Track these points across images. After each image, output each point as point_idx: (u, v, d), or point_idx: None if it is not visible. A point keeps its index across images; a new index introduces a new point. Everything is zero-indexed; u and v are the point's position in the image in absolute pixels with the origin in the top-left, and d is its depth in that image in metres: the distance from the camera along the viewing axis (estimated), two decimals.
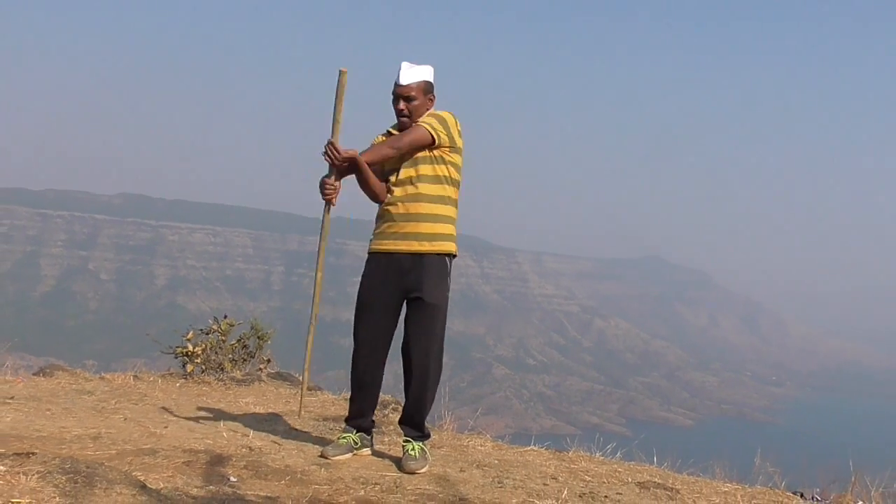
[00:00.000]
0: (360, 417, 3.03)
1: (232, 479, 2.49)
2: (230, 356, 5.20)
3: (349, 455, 2.95)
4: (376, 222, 3.01)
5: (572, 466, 3.24)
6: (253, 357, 5.33)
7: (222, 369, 5.10)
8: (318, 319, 3.11)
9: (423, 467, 2.85)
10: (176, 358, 5.07)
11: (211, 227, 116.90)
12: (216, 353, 5.14)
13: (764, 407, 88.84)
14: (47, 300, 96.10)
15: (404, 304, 2.97)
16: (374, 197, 2.98)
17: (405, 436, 2.97)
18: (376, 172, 2.94)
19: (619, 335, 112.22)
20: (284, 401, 4.48)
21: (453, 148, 2.95)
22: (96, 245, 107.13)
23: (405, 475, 2.77)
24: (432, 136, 2.88)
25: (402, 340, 2.96)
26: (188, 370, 4.95)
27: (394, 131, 2.98)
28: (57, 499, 1.98)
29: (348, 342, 3.02)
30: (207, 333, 5.22)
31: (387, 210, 2.94)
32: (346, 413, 3.14)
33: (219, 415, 3.70)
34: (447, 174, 2.95)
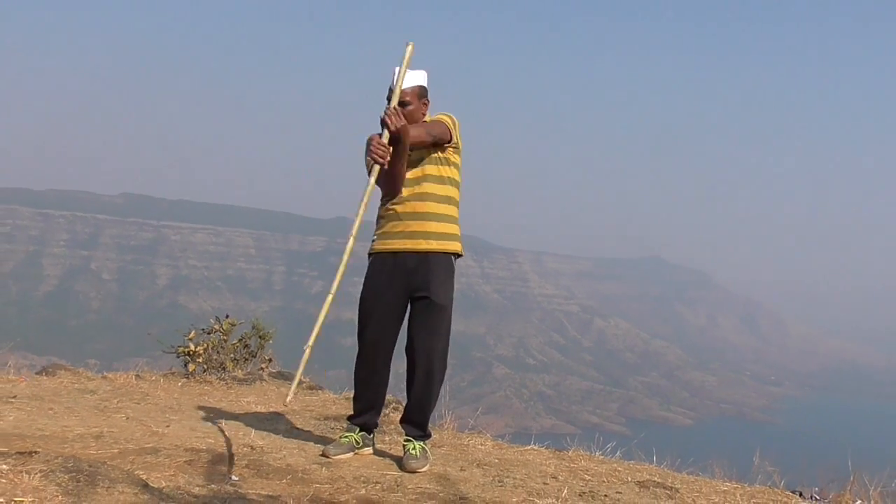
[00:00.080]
0: (365, 416, 3.04)
1: (233, 477, 2.50)
2: (232, 356, 5.21)
3: (350, 454, 2.96)
4: (378, 222, 3.00)
5: (572, 465, 3.24)
6: (254, 356, 5.35)
7: (224, 369, 5.12)
8: (337, 296, 2.89)
9: (424, 466, 2.85)
10: (178, 357, 5.08)
11: (213, 227, 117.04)
12: (218, 352, 5.16)
13: (763, 406, 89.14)
14: (50, 300, 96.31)
15: (408, 304, 2.97)
16: (395, 184, 2.88)
17: (406, 435, 2.97)
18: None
19: (618, 335, 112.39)
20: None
21: (457, 149, 2.98)
22: (98, 245, 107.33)
23: (406, 474, 2.77)
24: (450, 135, 2.90)
25: (406, 340, 2.96)
26: (190, 369, 4.97)
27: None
28: (59, 497, 1.98)
29: (350, 341, 3.03)
30: (209, 333, 5.23)
31: (392, 209, 2.93)
32: (347, 412, 3.15)
33: (220, 414, 3.71)
34: (451, 175, 2.97)
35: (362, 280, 3.05)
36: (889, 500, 3.03)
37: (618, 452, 3.58)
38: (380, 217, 3.00)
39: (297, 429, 3.54)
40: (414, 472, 2.81)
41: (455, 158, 2.98)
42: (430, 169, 2.92)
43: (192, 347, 5.03)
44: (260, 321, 5.51)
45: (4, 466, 2.13)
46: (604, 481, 3.01)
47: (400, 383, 3.15)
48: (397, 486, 2.59)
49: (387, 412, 4.04)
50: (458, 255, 3.01)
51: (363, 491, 2.50)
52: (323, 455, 2.92)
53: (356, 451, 3.00)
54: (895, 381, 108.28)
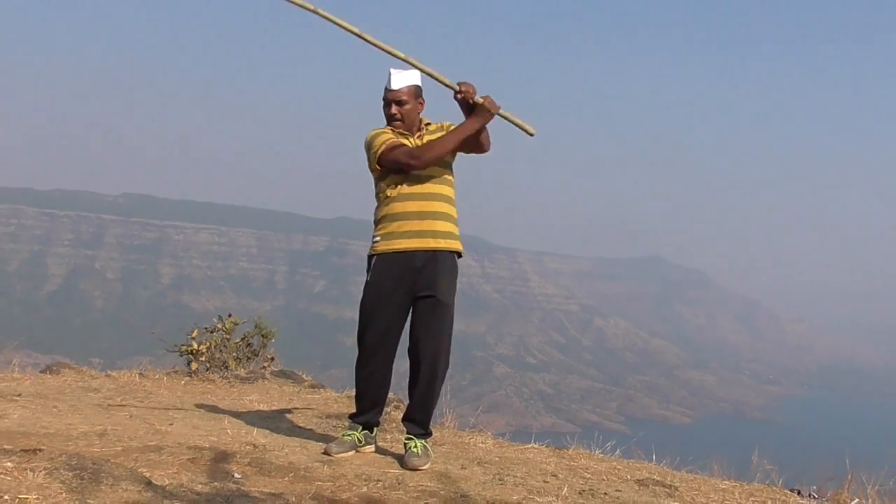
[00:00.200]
0: (368, 415, 3.05)
1: (236, 475, 2.51)
2: (234, 354, 5.24)
3: (352, 452, 2.97)
4: (380, 223, 2.97)
5: (572, 464, 3.25)
6: (257, 355, 5.37)
7: (227, 367, 5.14)
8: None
9: (425, 464, 2.86)
10: (181, 356, 5.11)
11: (216, 227, 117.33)
12: (221, 351, 5.19)
13: (761, 405, 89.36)
14: (54, 299, 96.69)
15: (411, 304, 2.97)
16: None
17: (408, 433, 2.98)
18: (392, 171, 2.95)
19: (618, 334, 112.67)
20: (288, 398, 4.50)
21: (454, 153, 3.03)
22: (102, 244, 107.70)
23: (407, 472, 2.78)
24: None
25: (408, 339, 2.97)
26: (193, 368, 5.00)
27: (398, 131, 2.97)
28: (63, 495, 1.99)
29: (351, 341, 3.04)
30: (212, 332, 5.26)
31: (398, 210, 2.92)
32: (349, 410, 3.17)
33: (223, 412, 3.72)
34: (451, 177, 3.01)
35: (363, 280, 3.06)
36: (887, 498, 3.04)
37: (617, 451, 3.59)
38: (382, 217, 2.98)
39: (300, 427, 3.55)
40: (415, 469, 2.82)
41: (451, 160, 3.03)
42: (435, 170, 2.95)
43: (196, 346, 5.06)
44: (262, 320, 5.53)
45: (9, 464, 2.15)
46: (603, 479, 3.02)
47: (402, 381, 3.16)
48: (399, 483, 2.60)
49: (388, 410, 4.05)
50: (459, 255, 3.03)
51: (365, 489, 2.51)
52: (325, 453, 2.93)
53: (358, 449, 3.01)
54: (893, 380, 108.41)
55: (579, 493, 2.73)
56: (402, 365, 3.06)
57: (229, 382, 4.81)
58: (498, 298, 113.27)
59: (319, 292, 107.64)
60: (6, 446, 2.43)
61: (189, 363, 5.05)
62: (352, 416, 3.11)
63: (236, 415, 3.68)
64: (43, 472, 2.10)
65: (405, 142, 2.94)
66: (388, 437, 3.40)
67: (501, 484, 2.74)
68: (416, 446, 2.91)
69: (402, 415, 3.19)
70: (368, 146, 2.97)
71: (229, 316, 5.45)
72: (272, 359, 5.39)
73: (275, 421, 3.63)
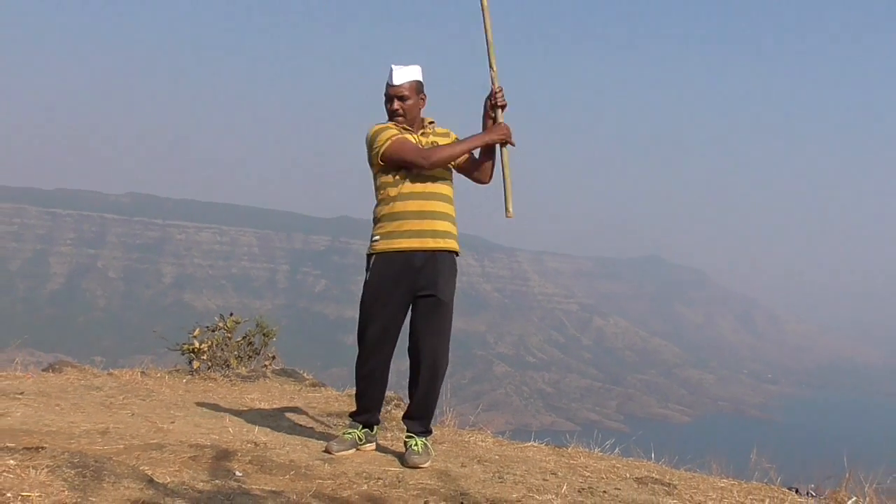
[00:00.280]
0: (367, 414, 3.06)
1: (237, 473, 2.52)
2: (236, 353, 5.26)
3: (353, 450, 2.99)
4: (381, 221, 2.98)
5: (571, 462, 3.27)
6: (258, 354, 5.39)
7: (228, 366, 5.16)
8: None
9: (425, 462, 2.87)
10: (182, 355, 5.12)
11: (217, 227, 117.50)
12: (222, 349, 5.21)
13: (760, 404, 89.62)
14: (56, 297, 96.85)
15: (410, 303, 2.98)
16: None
17: (408, 431, 2.99)
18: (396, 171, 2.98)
19: (617, 333, 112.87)
20: (289, 397, 4.51)
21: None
22: (105, 243, 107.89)
23: (408, 470, 2.79)
24: None
25: (409, 338, 2.98)
26: (195, 367, 5.01)
27: (400, 126, 2.98)
28: (66, 492, 2.00)
29: (351, 339, 3.05)
30: (213, 331, 5.28)
31: (397, 209, 2.93)
32: (349, 409, 3.18)
33: (224, 410, 3.73)
34: (450, 177, 3.03)
35: (363, 279, 3.07)
36: (884, 497, 3.04)
37: (616, 449, 3.60)
38: (381, 216, 2.99)
39: (300, 425, 3.56)
40: (416, 467, 2.83)
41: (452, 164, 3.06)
42: (435, 171, 2.95)
43: (197, 345, 5.07)
44: (264, 319, 5.55)
45: (12, 462, 2.16)
46: (603, 478, 3.02)
47: (402, 380, 3.17)
48: (399, 481, 2.61)
49: (389, 409, 4.06)
50: (457, 254, 3.05)
51: (365, 487, 2.52)
52: (326, 451, 2.94)
53: (359, 447, 3.02)
54: (891, 378, 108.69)
55: (578, 491, 2.73)
56: (402, 364, 3.07)
57: (231, 381, 4.82)
58: (498, 297, 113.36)
59: (320, 291, 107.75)
60: (9, 444, 2.43)
61: (191, 362, 5.06)
62: (352, 415, 3.12)
63: (237, 413, 3.69)
64: (45, 470, 2.11)
65: (410, 138, 2.95)
66: (389, 435, 3.41)
67: (501, 482, 2.75)
68: (416, 444, 2.93)
69: (402, 413, 3.20)
70: (371, 141, 2.96)
71: (231, 315, 5.47)
72: (273, 357, 5.40)
73: (276, 419, 3.65)
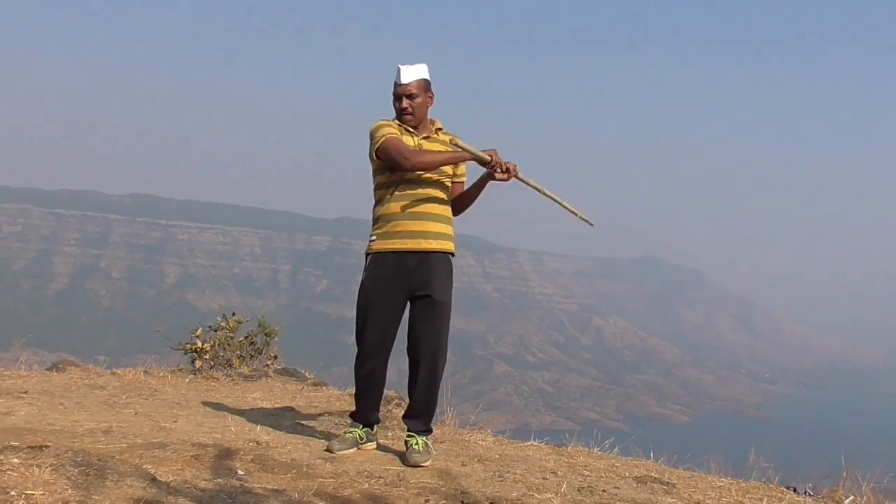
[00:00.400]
0: (367, 413, 3.08)
1: (239, 472, 2.53)
2: (238, 352, 5.28)
3: (354, 449, 3.00)
4: (377, 222, 3.02)
5: (571, 461, 3.28)
6: (260, 353, 5.41)
7: (230, 365, 5.18)
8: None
9: (426, 461, 2.89)
10: (185, 354, 5.14)
11: (220, 227, 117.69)
12: (224, 349, 5.22)
13: (758, 403, 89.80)
14: (60, 297, 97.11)
15: (407, 303, 3.01)
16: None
17: (409, 430, 3.01)
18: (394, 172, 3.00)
19: (617, 333, 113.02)
20: (291, 396, 4.53)
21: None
22: (108, 244, 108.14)
23: (409, 469, 2.81)
24: None
25: (407, 338, 3.00)
26: (197, 366, 5.03)
27: (404, 126, 3.00)
28: (69, 491, 2.01)
29: (353, 339, 3.07)
30: (216, 330, 5.30)
31: (392, 210, 2.96)
32: (350, 408, 3.19)
33: (227, 409, 3.75)
34: (447, 180, 3.04)
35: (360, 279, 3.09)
36: (882, 496, 3.05)
37: (616, 448, 3.61)
38: (378, 217, 3.02)
39: (302, 424, 3.57)
40: (417, 466, 2.84)
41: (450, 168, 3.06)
42: (431, 174, 2.97)
43: (200, 344, 5.09)
44: (266, 319, 5.57)
45: (16, 460, 2.17)
46: (602, 476, 3.04)
47: (403, 380, 3.19)
48: (400, 480, 2.62)
49: (389, 408, 4.08)
50: (453, 255, 3.06)
51: (367, 485, 2.53)
52: (327, 450, 2.96)
53: (360, 446, 3.04)
54: (888, 378, 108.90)
55: (578, 489, 2.74)
56: (403, 363, 3.09)
57: (233, 380, 4.83)
58: (498, 298, 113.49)
59: (322, 291, 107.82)
60: (13, 443, 2.45)
61: (193, 361, 5.08)
62: (352, 415, 3.14)
63: (240, 412, 3.71)
64: (49, 469, 2.12)
65: (407, 140, 2.96)
66: (390, 434, 3.42)
67: (501, 481, 2.76)
68: (417, 443, 2.94)
69: (403, 412, 3.21)
70: (372, 135, 2.99)
71: (233, 314, 5.49)
72: (275, 357, 5.42)
73: (278, 418, 3.66)
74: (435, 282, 2.94)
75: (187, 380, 4.74)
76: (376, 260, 2.99)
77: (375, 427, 3.16)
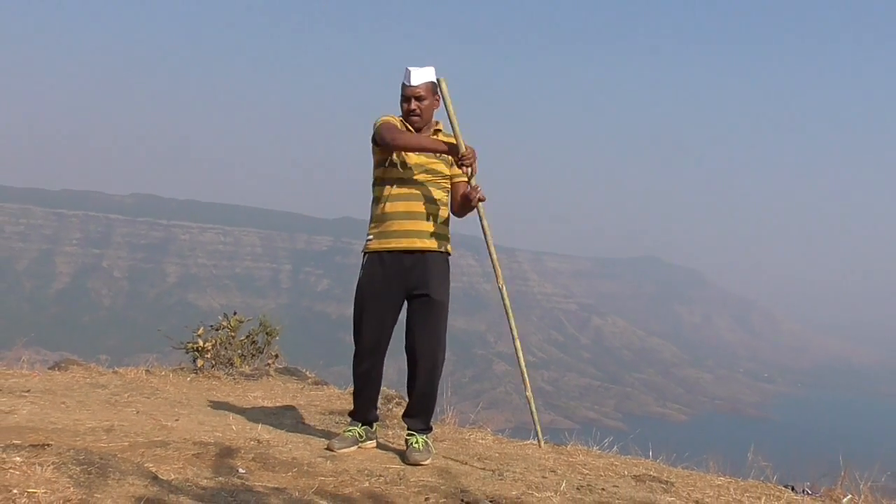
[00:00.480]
0: (365, 411, 3.10)
1: (241, 470, 2.54)
2: (239, 352, 5.29)
3: (354, 448, 3.02)
4: (374, 221, 3.04)
5: (570, 460, 3.29)
6: (261, 352, 5.42)
7: (232, 364, 5.20)
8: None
9: (426, 459, 2.90)
10: (187, 353, 5.16)
11: (221, 227, 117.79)
12: (226, 348, 5.24)
13: (756, 403, 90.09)
14: (62, 297, 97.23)
15: (404, 302, 3.02)
16: (400, 148, 3.00)
17: (409, 429, 3.02)
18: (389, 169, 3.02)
19: (616, 333, 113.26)
20: (292, 395, 4.55)
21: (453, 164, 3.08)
22: (110, 243, 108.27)
23: (409, 467, 2.82)
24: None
25: (405, 337, 3.01)
26: (198, 365, 5.05)
27: (404, 123, 3.02)
28: (71, 489, 2.02)
29: (352, 338, 3.08)
30: (217, 329, 5.31)
31: (388, 209, 2.99)
32: (351, 407, 3.21)
33: (228, 408, 3.77)
34: (444, 181, 3.05)
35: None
36: (879, 495, 3.06)
37: (615, 447, 3.62)
38: (374, 216, 3.04)
39: (303, 423, 3.59)
40: (417, 465, 2.86)
41: (448, 169, 3.06)
42: (427, 173, 2.99)
43: (201, 343, 5.11)
44: (267, 318, 5.58)
45: (18, 458, 2.17)
46: (601, 475, 3.04)
47: (403, 379, 3.20)
48: (400, 479, 2.63)
49: (390, 407, 4.09)
50: (449, 254, 3.08)
51: (367, 484, 2.54)
52: (328, 449, 2.97)
53: (360, 444, 3.05)
54: (885, 378, 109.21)
55: (577, 488, 2.75)
56: (403, 362, 3.09)
57: (234, 379, 4.85)
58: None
59: (323, 291, 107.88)
60: (15, 441, 2.45)
61: (195, 360, 5.10)
62: (351, 414, 3.16)
63: (241, 411, 3.72)
64: (51, 467, 2.13)
65: (397, 122, 3.01)
66: (390, 432, 3.44)
67: (501, 479, 2.77)
68: (417, 442, 2.96)
69: (403, 411, 3.23)
70: (374, 125, 3.03)
71: (234, 314, 5.50)
72: (276, 356, 5.43)
73: (279, 417, 3.67)
74: (432, 281, 2.95)
75: (189, 379, 4.76)
76: (372, 259, 3.01)
77: (375, 425, 3.17)
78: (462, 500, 2.46)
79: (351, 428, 3.09)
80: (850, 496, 3.04)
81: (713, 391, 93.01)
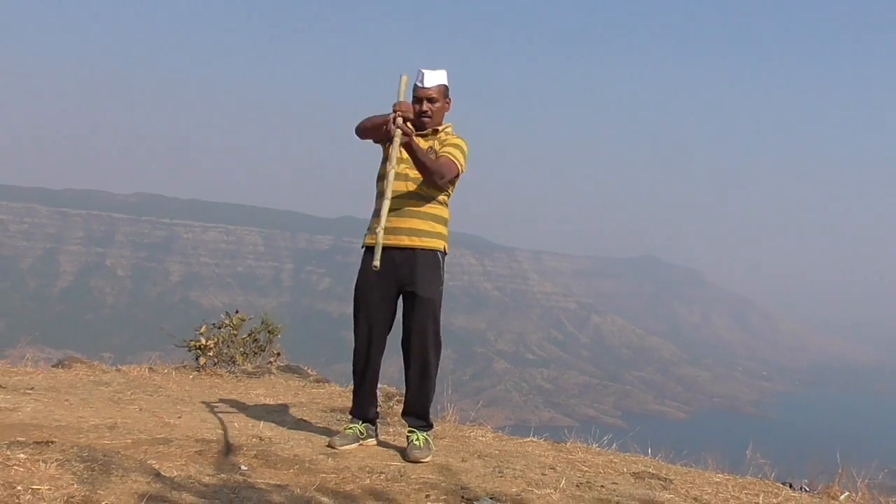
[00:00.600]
0: (365, 408, 3.11)
1: (243, 467, 2.56)
2: (241, 350, 5.31)
3: (355, 445, 3.03)
4: (371, 218, 3.07)
5: (570, 457, 3.30)
6: (263, 350, 5.44)
7: (234, 362, 5.21)
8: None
9: (426, 457, 2.92)
10: (189, 351, 5.18)
11: (223, 226, 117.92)
12: (228, 346, 5.26)
13: (754, 401, 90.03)
14: (66, 295, 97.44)
15: (399, 297, 3.05)
16: (363, 134, 3.03)
17: (409, 426, 3.04)
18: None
19: (615, 331, 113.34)
20: (293, 393, 4.56)
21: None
22: (113, 242, 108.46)
23: (409, 464, 2.83)
24: (458, 174, 3.03)
25: (401, 334, 3.04)
26: (201, 363, 5.07)
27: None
28: (75, 486, 2.04)
29: (353, 336, 3.10)
30: (220, 328, 5.33)
31: (380, 206, 3.01)
32: (351, 405, 3.23)
33: (230, 406, 3.78)
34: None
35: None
36: (876, 492, 3.07)
37: (614, 444, 3.64)
38: (373, 212, 3.08)
39: (304, 421, 3.60)
40: (417, 462, 2.87)
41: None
42: (417, 171, 2.99)
43: (203, 342, 5.13)
44: (269, 316, 5.60)
45: (22, 455, 2.20)
46: (600, 472, 3.06)
47: (403, 376, 3.21)
48: (401, 475, 2.64)
49: (391, 404, 4.11)
50: (443, 253, 3.07)
51: (368, 481, 2.55)
52: (329, 446, 2.99)
53: (361, 441, 3.07)
54: (883, 377, 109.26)
55: (577, 485, 2.76)
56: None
57: (236, 377, 4.87)
58: (498, 296, 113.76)
59: (324, 289, 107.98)
60: (19, 438, 2.47)
61: (197, 358, 5.12)
62: (351, 411, 3.18)
63: (243, 408, 3.74)
64: (55, 464, 2.15)
65: (419, 140, 3.01)
66: (391, 430, 3.45)
67: (501, 476, 2.78)
68: (417, 439, 2.97)
69: (402, 409, 3.25)
70: None
71: (236, 312, 5.52)
72: (278, 354, 5.45)
73: (280, 414, 3.69)
74: (420, 279, 2.97)
75: (191, 376, 4.78)
76: (366, 256, 3.06)
77: (376, 423, 3.19)
78: (462, 497, 2.47)
79: (352, 426, 3.10)
80: (847, 493, 3.05)
81: (712, 389, 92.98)
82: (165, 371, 4.86)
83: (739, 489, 2.98)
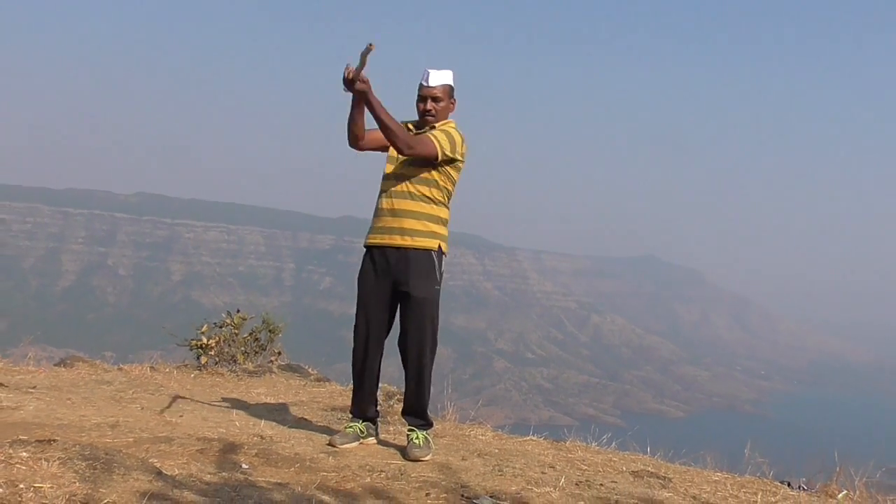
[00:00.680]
0: (364, 407, 3.13)
1: (244, 466, 2.57)
2: (243, 349, 5.33)
3: (356, 444, 3.04)
4: (372, 217, 3.10)
5: (569, 456, 3.31)
6: (264, 350, 5.45)
7: (235, 361, 5.23)
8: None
9: (426, 455, 2.93)
10: (191, 350, 5.20)
11: (225, 226, 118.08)
12: (229, 345, 5.28)
13: (753, 400, 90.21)
14: (68, 294, 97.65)
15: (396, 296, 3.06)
16: (352, 137, 2.98)
17: (409, 425, 3.05)
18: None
19: (614, 331, 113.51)
20: (294, 392, 4.58)
21: (452, 163, 3.03)
22: (115, 242, 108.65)
23: (409, 463, 2.85)
24: (436, 155, 2.96)
25: (398, 334, 3.07)
26: (202, 362, 5.08)
27: (411, 126, 3.06)
28: (77, 484, 2.05)
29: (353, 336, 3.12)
30: (221, 327, 5.35)
31: (379, 206, 3.06)
32: (351, 404, 3.24)
33: (231, 405, 3.80)
34: (437, 177, 3.02)
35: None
36: (874, 490, 3.08)
37: (613, 443, 3.65)
38: (375, 211, 3.10)
39: (305, 419, 3.62)
40: (417, 460, 2.88)
41: (446, 166, 3.02)
42: (414, 169, 3.00)
43: (205, 341, 5.15)
44: (270, 316, 5.62)
45: (24, 454, 2.21)
46: (600, 471, 3.07)
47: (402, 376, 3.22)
48: (401, 474, 2.65)
49: (391, 403, 4.12)
50: (440, 253, 3.04)
51: (368, 479, 2.56)
52: (330, 444, 3.00)
53: (361, 440, 3.08)
54: (880, 376, 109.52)
55: (576, 483, 2.77)
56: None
57: (237, 376, 4.89)
58: (498, 295, 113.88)
59: (325, 289, 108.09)
60: (22, 437, 2.48)
61: (198, 357, 5.13)
62: (351, 410, 3.19)
63: (244, 407, 3.75)
64: (57, 462, 2.16)
65: (410, 127, 3.05)
66: (391, 428, 3.46)
67: (501, 475, 2.79)
68: (417, 438, 2.98)
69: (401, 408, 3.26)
70: None
71: (238, 311, 5.54)
72: (279, 353, 5.47)
73: (281, 413, 3.70)
74: (413, 279, 2.97)
75: (193, 375, 4.79)
76: (365, 254, 3.10)
77: (377, 421, 3.20)
78: (462, 496, 2.48)
79: (352, 424, 3.12)
80: (845, 492, 3.06)
81: (711, 388, 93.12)
82: (167, 370, 4.87)
83: (738, 488, 2.99)
